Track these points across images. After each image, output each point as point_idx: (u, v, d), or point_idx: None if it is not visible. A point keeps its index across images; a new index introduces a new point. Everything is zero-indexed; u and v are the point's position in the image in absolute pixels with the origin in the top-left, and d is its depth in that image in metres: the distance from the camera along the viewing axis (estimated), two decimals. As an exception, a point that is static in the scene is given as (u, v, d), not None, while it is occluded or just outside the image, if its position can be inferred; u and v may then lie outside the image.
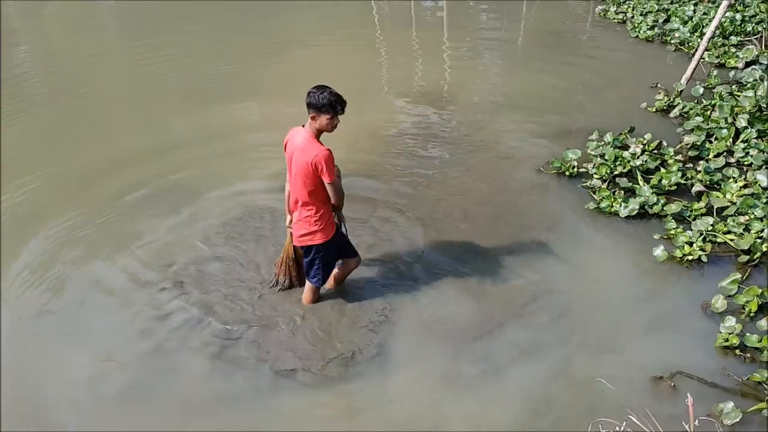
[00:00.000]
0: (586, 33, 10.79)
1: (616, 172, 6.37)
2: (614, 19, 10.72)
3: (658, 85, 8.17)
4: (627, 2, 11.12)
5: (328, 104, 4.06)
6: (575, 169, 6.54)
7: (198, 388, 4.31)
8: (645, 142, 6.80)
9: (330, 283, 4.98)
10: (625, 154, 6.57)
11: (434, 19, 12.27)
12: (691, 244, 5.38)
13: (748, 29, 9.54)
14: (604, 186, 6.24)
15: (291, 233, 4.66)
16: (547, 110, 7.97)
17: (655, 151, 6.71)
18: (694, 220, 5.66)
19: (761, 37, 9.26)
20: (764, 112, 6.95)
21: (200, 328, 4.76)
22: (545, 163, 6.77)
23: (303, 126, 4.25)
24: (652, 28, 10.00)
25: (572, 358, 4.45)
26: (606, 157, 6.53)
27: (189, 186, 6.60)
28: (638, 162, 6.43)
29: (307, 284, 4.82)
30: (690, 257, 5.27)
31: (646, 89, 8.19)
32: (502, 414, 4.08)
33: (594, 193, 6.19)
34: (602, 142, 6.87)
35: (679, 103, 7.59)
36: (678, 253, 5.32)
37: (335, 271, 4.90)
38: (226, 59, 10.30)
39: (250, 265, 5.38)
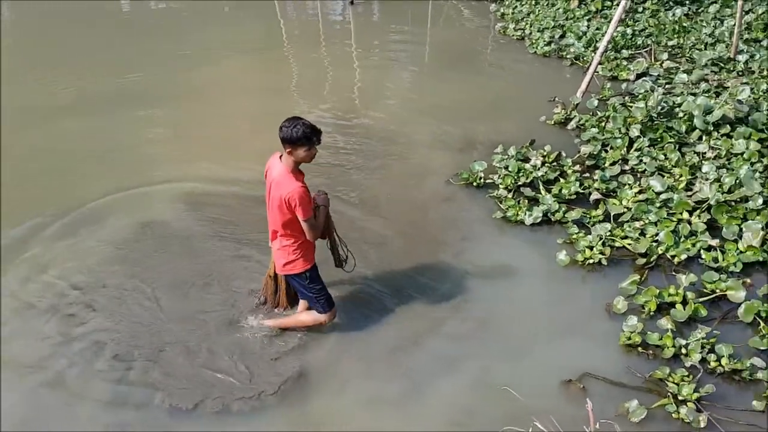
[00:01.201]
0: (488, 49, 11.14)
1: (520, 183, 6.58)
2: (513, 35, 11.13)
3: (556, 99, 8.52)
4: (525, 19, 11.58)
5: (303, 137, 3.93)
6: (482, 180, 6.71)
7: (91, 422, 4.08)
8: (545, 153, 7.06)
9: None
10: (527, 165, 6.80)
11: (342, 34, 12.32)
12: (591, 248, 5.61)
13: (639, 42, 10.13)
14: (510, 196, 6.42)
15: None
16: (453, 123, 8.15)
17: (555, 162, 6.97)
18: (594, 226, 5.91)
19: (650, 49, 9.85)
20: (655, 122, 7.37)
21: (97, 358, 4.54)
22: (454, 174, 6.90)
23: (280, 157, 4.13)
24: (549, 43, 10.44)
25: (491, 367, 4.54)
26: (510, 169, 6.74)
27: (90, 206, 6.35)
28: (540, 173, 6.66)
29: (309, 311, 4.70)
30: (591, 261, 5.50)
31: (545, 103, 8.52)
32: (424, 429, 4.07)
33: (501, 202, 6.36)
34: (506, 155, 7.07)
35: (575, 116, 7.94)
36: (580, 257, 5.54)
37: (301, 304, 4.81)
38: (130, 70, 9.95)
39: (156, 288, 5.16)
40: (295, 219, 4.12)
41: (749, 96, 7.60)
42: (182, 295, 5.14)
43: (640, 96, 8.10)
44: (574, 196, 6.36)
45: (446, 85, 9.50)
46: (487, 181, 6.73)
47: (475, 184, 6.70)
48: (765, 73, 8.73)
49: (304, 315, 4.74)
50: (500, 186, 6.59)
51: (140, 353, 4.58)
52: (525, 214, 6.08)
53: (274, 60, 10.80)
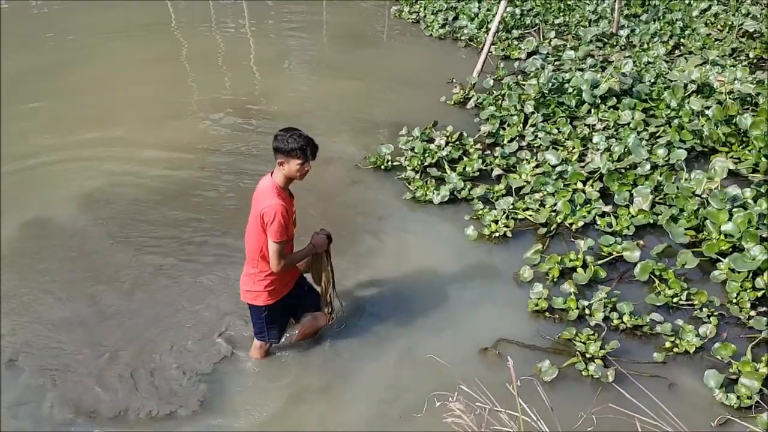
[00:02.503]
0: (384, 32, 11.23)
1: (426, 163, 6.71)
2: (409, 18, 11.28)
3: (454, 80, 8.72)
4: (419, 2, 11.75)
5: (298, 148, 3.68)
6: (390, 163, 6.80)
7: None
8: (448, 134, 7.24)
9: (296, 337, 4.53)
10: (432, 146, 6.96)
11: (235, 18, 12.01)
12: (496, 222, 5.84)
13: (527, 22, 10.52)
14: (418, 177, 6.55)
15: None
16: (356, 107, 8.18)
17: (458, 142, 7.17)
18: (497, 200, 6.13)
19: (539, 28, 10.26)
20: (547, 98, 7.71)
21: None
22: (362, 158, 6.95)
23: (271, 173, 3.85)
24: (443, 26, 10.66)
25: (414, 342, 4.64)
26: (416, 150, 6.86)
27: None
28: (444, 153, 6.83)
29: (255, 341, 4.39)
30: (497, 234, 5.73)
31: (444, 84, 8.71)
32: (352, 413, 4.12)
33: (409, 184, 6.48)
34: (411, 137, 7.19)
35: (473, 96, 8.17)
36: (486, 231, 5.75)
37: (306, 321, 4.47)
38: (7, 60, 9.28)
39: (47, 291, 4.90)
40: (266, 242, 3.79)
41: (632, 69, 8.09)
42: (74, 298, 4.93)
43: (532, 74, 8.44)
44: (478, 174, 6.57)
45: (346, 69, 9.51)
46: (395, 163, 6.83)
47: (383, 167, 6.78)
48: (645, 46, 9.32)
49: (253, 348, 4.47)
50: (408, 168, 6.71)
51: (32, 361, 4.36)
52: (433, 193, 6.24)
53: (164, 46, 10.39)
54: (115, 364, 4.39)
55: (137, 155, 7.03)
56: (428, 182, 6.43)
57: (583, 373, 4.35)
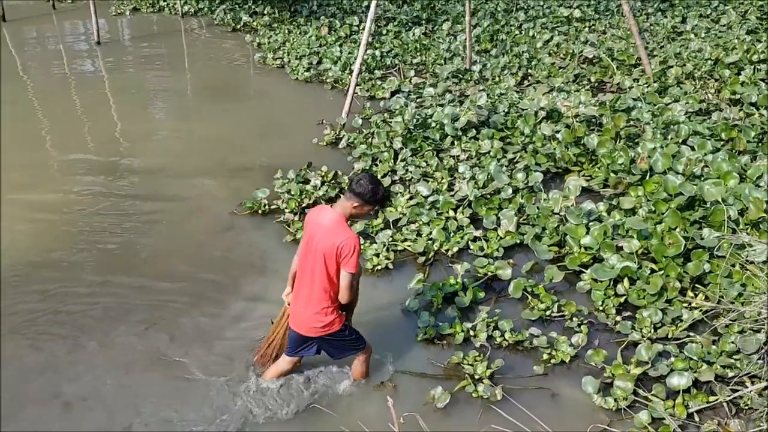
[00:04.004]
0: (251, 79, 11.25)
1: (304, 204, 6.77)
2: (273, 64, 11.38)
3: (324, 121, 8.89)
4: (281, 48, 11.89)
5: (380, 200, 3.96)
6: (267, 207, 6.78)
7: None
8: (323, 173, 7.34)
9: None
10: (308, 187, 7.03)
11: (94, 73, 11.54)
12: (378, 255, 5.97)
13: (388, 63, 10.96)
14: (297, 218, 6.58)
15: (287, 310, 4.33)
16: (227, 154, 8.10)
17: (333, 181, 7.29)
18: (377, 234, 6.29)
19: (399, 68, 10.72)
20: (413, 133, 8.04)
21: None
22: (237, 205, 6.87)
23: (331, 206, 4.02)
24: (308, 69, 10.85)
25: (312, 380, 4.60)
26: (292, 192, 6.90)
27: None
28: (321, 192, 6.93)
29: (355, 362, 4.49)
30: (379, 267, 5.86)
31: (315, 126, 8.85)
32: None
33: (289, 226, 6.49)
34: (286, 179, 7.23)
35: (344, 135, 8.36)
36: (369, 265, 5.87)
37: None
38: None
39: None
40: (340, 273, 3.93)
41: (487, 101, 8.65)
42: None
43: (397, 111, 8.78)
44: (355, 210, 6.70)
45: (214, 117, 9.41)
46: (272, 207, 6.81)
47: (260, 211, 6.74)
48: (497, 79, 9.99)
49: (356, 366, 4.53)
50: (286, 210, 6.73)
51: None
52: (313, 233, 6.28)
53: (14, 105, 9.75)
54: None
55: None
56: (307, 224, 6.47)
57: (473, 394, 4.51)
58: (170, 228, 6.59)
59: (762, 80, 9.21)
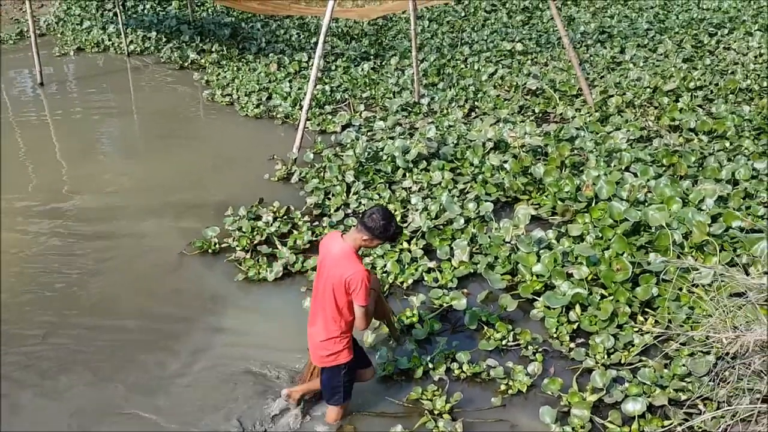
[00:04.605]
0: (200, 116, 11.13)
1: (255, 241, 6.68)
2: (222, 101, 11.30)
3: (275, 156, 8.84)
4: (230, 85, 11.84)
5: (392, 236, 3.96)
6: (217, 246, 6.66)
7: None
8: (275, 209, 7.28)
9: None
10: (260, 223, 6.95)
11: (37, 115, 11.22)
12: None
13: (338, 97, 11.02)
14: (248, 256, 6.48)
15: None
16: (176, 194, 7.96)
17: (286, 216, 7.24)
18: (331, 269, 6.24)
19: (349, 103, 10.79)
20: (365, 166, 8.07)
21: None
22: (186, 245, 6.74)
23: (342, 235, 4.02)
24: (258, 105, 10.81)
25: None
26: (243, 230, 6.81)
27: None
28: (273, 229, 6.85)
29: (328, 410, 4.47)
30: (336, 304, 5.79)
31: (266, 161, 8.79)
32: None
33: (240, 264, 6.38)
34: (237, 216, 7.13)
35: (296, 170, 8.33)
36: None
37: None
38: None
39: None
40: (351, 306, 3.97)
41: (436, 133, 8.76)
42: None
43: (348, 145, 8.81)
44: (309, 245, 6.66)
45: (163, 156, 9.25)
46: (223, 245, 6.70)
47: (210, 250, 6.62)
48: (445, 111, 10.15)
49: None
50: (237, 248, 6.62)
51: None
52: (266, 271, 6.20)
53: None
54: None
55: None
56: (260, 260, 6.38)
57: (434, 431, 4.46)
58: (118, 270, 6.42)
59: (699, 106, 9.62)
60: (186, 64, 13.25)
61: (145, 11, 16.29)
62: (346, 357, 4.18)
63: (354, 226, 4.10)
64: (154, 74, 13.01)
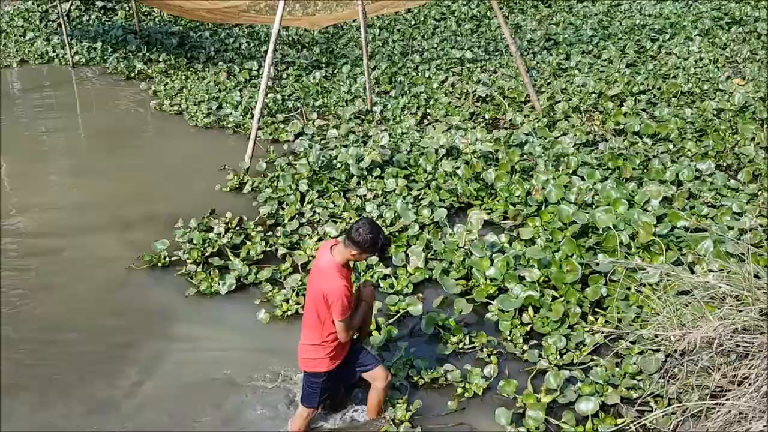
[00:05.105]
0: (148, 127, 10.91)
1: (207, 254, 6.56)
2: (171, 111, 11.10)
3: (226, 167, 8.72)
4: (179, 95, 11.64)
5: (380, 249, 3.96)
6: (167, 259, 6.52)
7: None
8: (227, 220, 7.18)
9: (371, 413, 4.58)
10: (212, 235, 6.84)
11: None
12: (287, 301, 5.86)
13: (290, 106, 10.95)
14: (200, 269, 6.36)
15: None
16: (125, 207, 7.77)
17: (238, 227, 7.14)
18: (285, 279, 6.18)
19: (302, 111, 10.73)
20: (319, 175, 8.03)
21: None
22: (136, 259, 6.58)
23: (331, 249, 4.02)
24: (208, 115, 10.65)
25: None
26: (194, 242, 6.69)
27: None
28: (225, 240, 6.75)
29: (299, 408, 4.41)
30: (290, 313, 5.76)
31: (217, 172, 8.65)
32: None
33: (191, 278, 6.26)
34: (188, 228, 7.00)
35: (248, 180, 8.24)
36: (278, 312, 5.76)
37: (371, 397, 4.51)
38: None
39: None
40: (331, 317, 3.97)
41: (389, 141, 8.79)
42: None
43: (302, 154, 8.76)
44: (262, 256, 6.58)
45: (110, 168, 9.02)
46: (173, 258, 6.56)
47: (160, 264, 6.48)
48: (398, 119, 10.19)
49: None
50: (188, 261, 6.49)
51: None
52: (219, 284, 6.09)
53: None
54: None
55: None
56: (212, 273, 6.27)
57: (394, 438, 4.46)
58: (65, 287, 6.23)
59: (643, 110, 9.90)
60: (133, 74, 12.99)
61: (91, 21, 15.91)
62: (327, 366, 4.17)
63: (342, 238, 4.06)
64: (101, 85, 12.71)
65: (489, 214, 7.12)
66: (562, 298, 5.58)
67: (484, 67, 12.54)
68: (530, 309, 5.55)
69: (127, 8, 16.12)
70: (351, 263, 4.15)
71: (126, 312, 5.87)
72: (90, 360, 5.26)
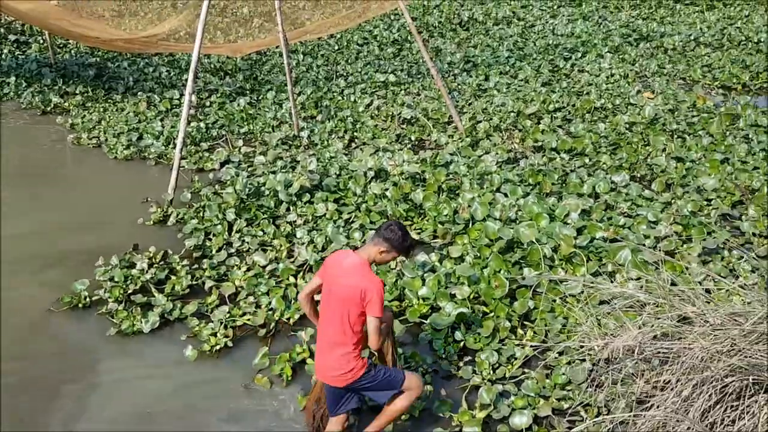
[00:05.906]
0: (65, 163, 10.51)
1: (130, 291, 6.33)
2: (89, 144, 10.73)
3: (149, 199, 8.48)
4: (97, 127, 11.28)
5: (408, 248, 4.09)
6: (88, 299, 6.25)
7: None
8: (151, 255, 6.96)
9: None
10: (134, 271, 6.60)
11: None
12: (215, 334, 5.72)
13: (214, 134, 10.78)
14: (122, 308, 6.12)
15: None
16: (40, 248, 7.39)
17: (162, 262, 6.93)
18: (212, 312, 6.04)
19: (227, 139, 10.58)
20: (247, 203, 7.92)
21: None
22: (55, 300, 6.27)
23: (355, 250, 4.08)
24: (128, 147, 10.35)
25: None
26: (116, 279, 6.44)
27: None
28: (148, 276, 6.53)
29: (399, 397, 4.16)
30: (218, 346, 5.60)
31: (139, 205, 8.39)
32: None
33: (112, 317, 6.02)
34: (109, 266, 6.74)
35: (172, 212, 8.02)
36: (206, 347, 5.59)
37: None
38: None
39: None
40: (362, 318, 3.89)
41: (318, 165, 8.78)
42: None
43: (228, 182, 8.62)
44: (188, 290, 6.40)
45: (25, 207, 8.60)
46: (94, 298, 6.29)
47: (80, 305, 6.20)
48: (325, 143, 10.20)
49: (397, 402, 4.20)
50: (109, 300, 6.24)
51: None
52: (141, 322, 5.88)
53: None
54: None
55: None
56: (133, 311, 6.04)
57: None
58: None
59: (559, 127, 10.28)
60: (48, 108, 12.49)
61: (3, 56, 15.25)
62: (363, 364, 4.04)
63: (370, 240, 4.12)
64: (14, 122, 12.17)
65: (419, 233, 7.19)
66: (492, 314, 5.68)
67: (408, 89, 12.75)
68: (462, 326, 5.61)
69: (41, 41, 15.56)
70: (374, 266, 4.18)
71: (45, 358, 5.56)
72: (8, 411, 4.95)
